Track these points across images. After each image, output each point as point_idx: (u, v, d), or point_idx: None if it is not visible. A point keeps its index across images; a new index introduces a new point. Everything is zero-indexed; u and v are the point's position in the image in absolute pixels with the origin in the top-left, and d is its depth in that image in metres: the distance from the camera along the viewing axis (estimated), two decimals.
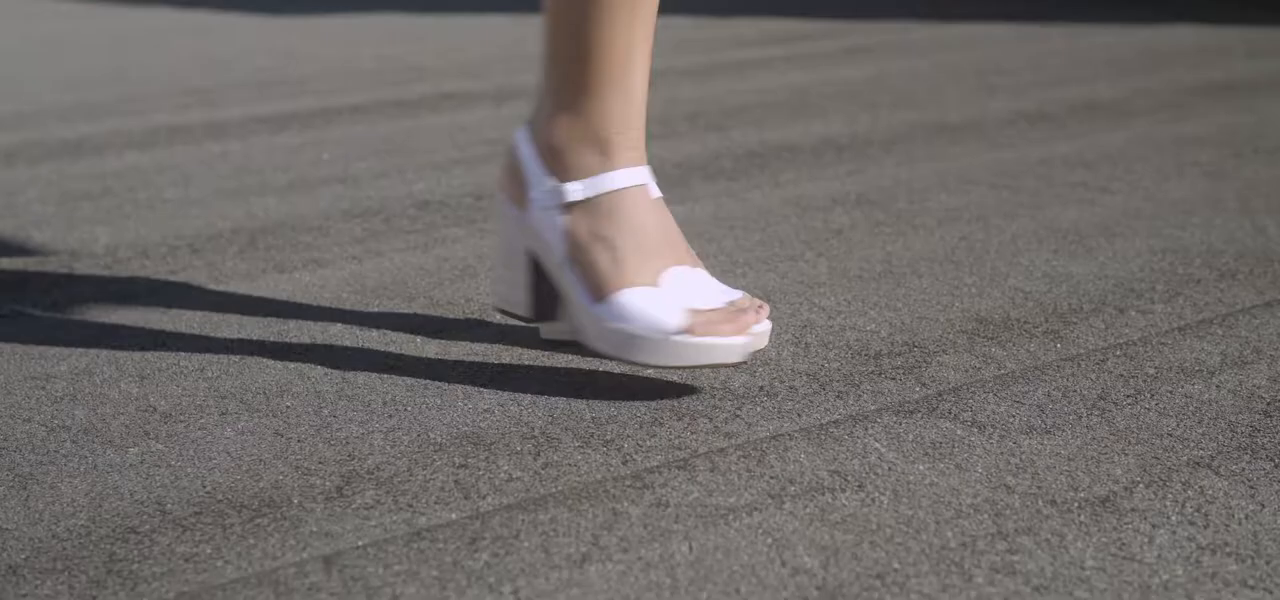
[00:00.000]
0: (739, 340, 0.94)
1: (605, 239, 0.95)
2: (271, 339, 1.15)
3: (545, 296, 0.99)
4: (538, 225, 0.97)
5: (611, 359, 0.94)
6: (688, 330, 0.93)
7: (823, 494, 0.81)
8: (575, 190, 0.96)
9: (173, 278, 1.36)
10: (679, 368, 0.94)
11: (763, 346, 0.96)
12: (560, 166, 0.96)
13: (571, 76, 0.95)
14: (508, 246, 1.00)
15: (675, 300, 0.94)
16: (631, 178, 0.96)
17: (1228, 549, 0.73)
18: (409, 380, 1.03)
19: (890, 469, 0.85)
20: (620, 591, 0.71)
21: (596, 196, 0.96)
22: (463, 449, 0.90)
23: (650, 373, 1.02)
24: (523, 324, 0.97)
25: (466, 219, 1.56)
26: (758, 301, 0.97)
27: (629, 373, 1.03)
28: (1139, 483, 0.82)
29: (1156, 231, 1.39)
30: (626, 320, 0.94)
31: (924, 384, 0.98)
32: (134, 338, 1.17)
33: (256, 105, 2.59)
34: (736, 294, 0.97)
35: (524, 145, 0.99)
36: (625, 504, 0.81)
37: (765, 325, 0.95)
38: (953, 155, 1.84)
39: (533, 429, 0.93)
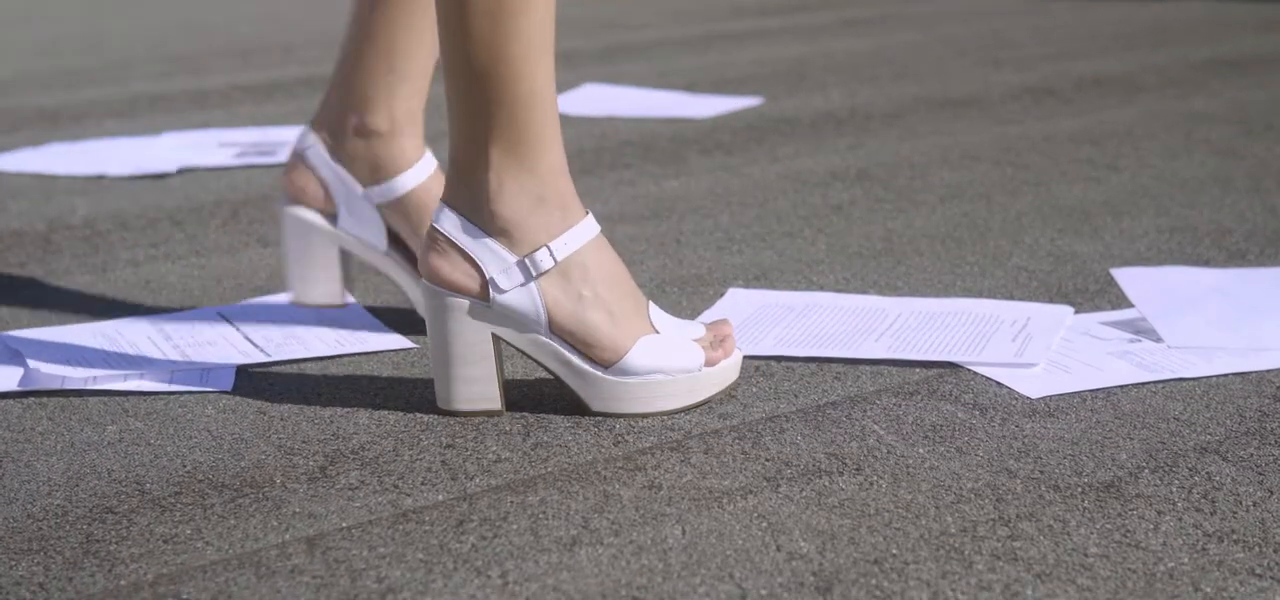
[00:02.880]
0: (737, 356, 0.92)
1: (592, 299, 0.88)
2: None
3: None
4: (511, 306, 0.88)
5: (635, 418, 0.89)
6: (707, 362, 0.90)
7: (820, 477, 0.80)
8: (547, 259, 0.88)
9: (153, 251, 1.34)
10: (705, 402, 0.91)
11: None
12: (519, 239, 0.88)
13: (507, 136, 0.86)
14: (466, 346, 0.89)
15: (679, 336, 0.90)
16: (591, 228, 0.90)
17: (1235, 537, 0.72)
18: (396, 358, 1.02)
19: (889, 452, 0.83)
20: (611, 575, 0.69)
21: (567, 258, 0.88)
22: (450, 429, 0.88)
23: None
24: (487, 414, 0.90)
25: None
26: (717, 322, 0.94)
27: None
28: (1144, 468, 0.80)
29: (1164, 210, 1.38)
30: (651, 372, 0.89)
31: (924, 365, 0.97)
32: (112, 311, 1.15)
33: (240, 74, 2.56)
34: (688, 322, 0.93)
35: (460, 231, 0.88)
36: (617, 486, 0.79)
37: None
38: (956, 130, 1.82)
39: (522, 409, 0.91)
